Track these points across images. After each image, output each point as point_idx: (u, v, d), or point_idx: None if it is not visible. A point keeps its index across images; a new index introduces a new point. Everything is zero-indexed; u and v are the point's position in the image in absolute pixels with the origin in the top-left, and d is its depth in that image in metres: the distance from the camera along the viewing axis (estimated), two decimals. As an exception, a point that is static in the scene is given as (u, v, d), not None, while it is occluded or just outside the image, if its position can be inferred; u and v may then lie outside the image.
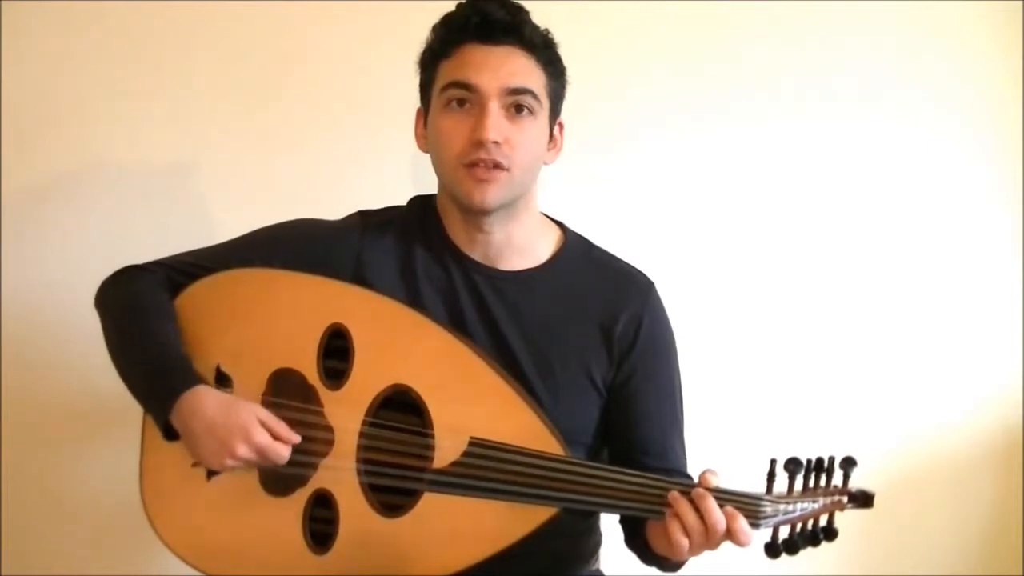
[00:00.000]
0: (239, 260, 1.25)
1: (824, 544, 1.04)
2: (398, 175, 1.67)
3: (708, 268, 1.81)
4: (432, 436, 1.13)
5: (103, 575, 1.69)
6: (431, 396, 1.14)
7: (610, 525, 1.28)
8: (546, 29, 1.22)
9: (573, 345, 1.23)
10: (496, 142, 1.15)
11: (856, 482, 1.04)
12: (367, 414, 1.16)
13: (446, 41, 1.20)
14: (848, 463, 1.03)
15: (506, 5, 1.19)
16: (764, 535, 1.03)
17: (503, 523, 1.10)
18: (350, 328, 1.18)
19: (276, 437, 1.13)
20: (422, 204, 1.31)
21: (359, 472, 1.15)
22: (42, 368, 1.67)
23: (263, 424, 1.13)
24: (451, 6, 1.22)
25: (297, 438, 1.15)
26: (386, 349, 1.17)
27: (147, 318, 1.22)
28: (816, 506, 1.03)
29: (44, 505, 1.70)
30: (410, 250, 1.26)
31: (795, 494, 1.03)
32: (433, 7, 1.23)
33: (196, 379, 1.15)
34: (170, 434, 1.15)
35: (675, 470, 1.22)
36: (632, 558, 1.25)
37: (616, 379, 1.24)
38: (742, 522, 1.01)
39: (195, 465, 1.19)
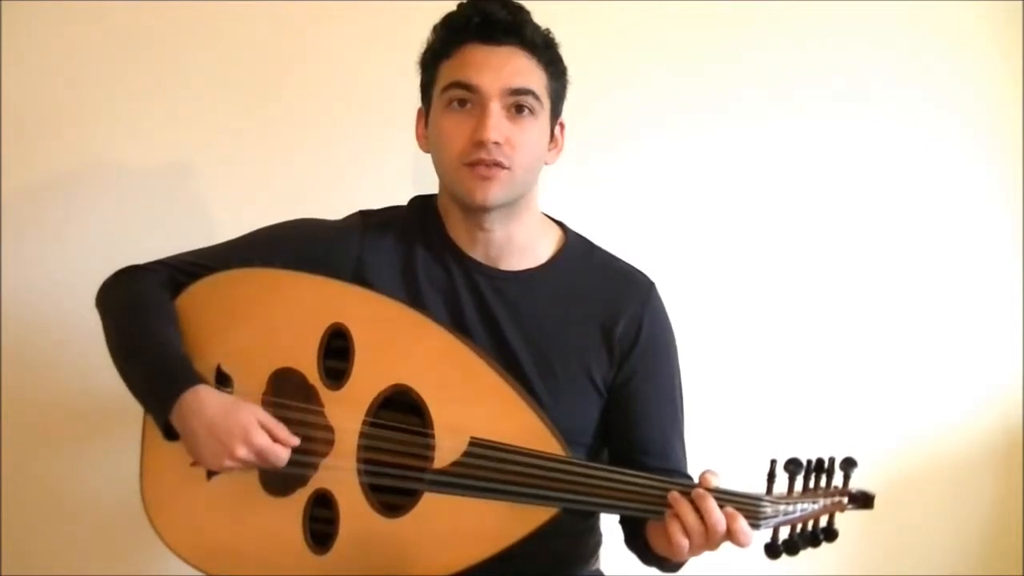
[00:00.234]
0: (240, 260, 1.25)
1: (824, 545, 1.04)
2: (399, 175, 1.67)
3: (708, 268, 1.81)
4: (432, 436, 1.12)
5: (103, 575, 1.69)
6: (431, 396, 1.14)
7: (610, 525, 1.28)
8: (547, 29, 1.22)
9: (573, 345, 1.23)
10: (497, 142, 1.15)
11: (856, 483, 1.04)
12: (367, 414, 1.16)
13: (447, 41, 1.20)
14: (848, 464, 1.03)
15: (507, 5, 1.19)
16: (764, 536, 1.03)
17: (503, 523, 1.10)
18: (350, 328, 1.18)
19: (275, 439, 1.13)
20: (423, 204, 1.31)
21: (359, 472, 1.15)
22: (42, 368, 1.67)
23: (263, 426, 1.13)
24: (452, 6, 1.21)
25: (296, 441, 1.15)
26: (386, 349, 1.17)
27: (147, 318, 1.22)
28: (816, 507, 1.03)
29: (44, 505, 1.70)
30: (411, 250, 1.26)
31: (795, 495, 1.03)
32: (433, 7, 1.23)
33: (196, 379, 1.15)
34: (170, 434, 1.15)
35: (675, 470, 1.22)
36: (632, 558, 1.24)
37: (616, 379, 1.24)
38: (742, 522, 1.01)
39: (194, 465, 1.19)
